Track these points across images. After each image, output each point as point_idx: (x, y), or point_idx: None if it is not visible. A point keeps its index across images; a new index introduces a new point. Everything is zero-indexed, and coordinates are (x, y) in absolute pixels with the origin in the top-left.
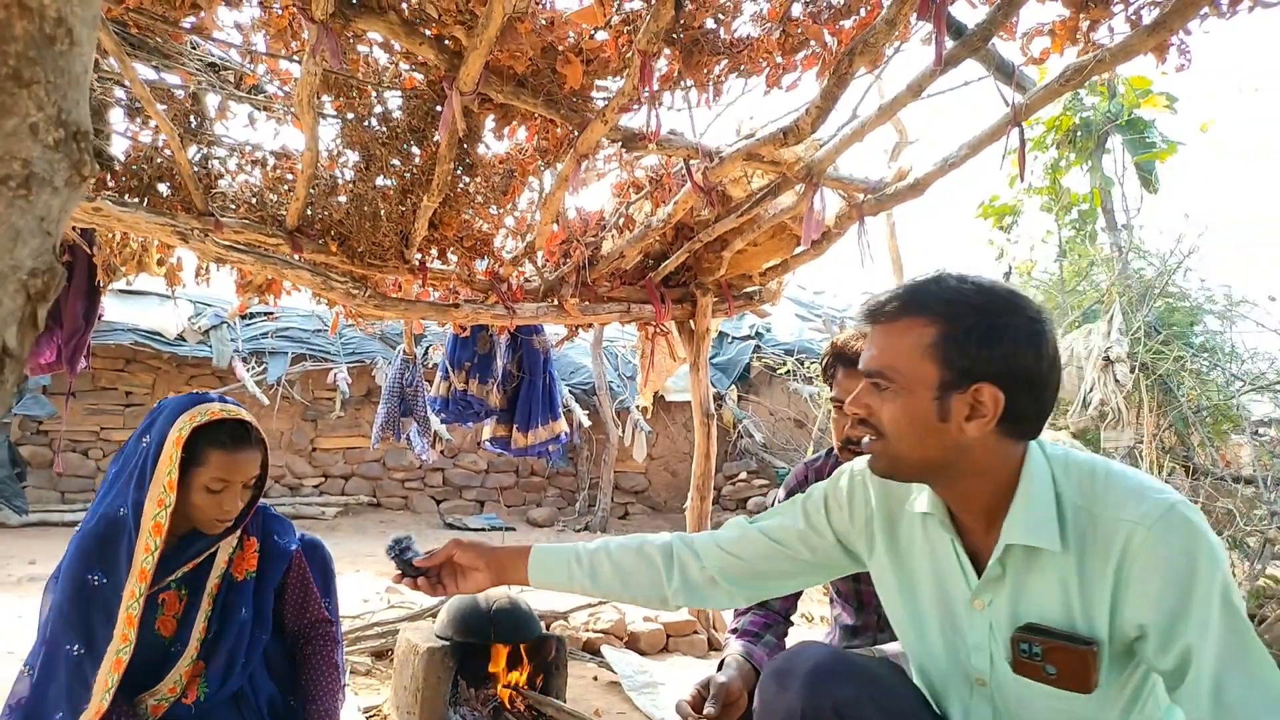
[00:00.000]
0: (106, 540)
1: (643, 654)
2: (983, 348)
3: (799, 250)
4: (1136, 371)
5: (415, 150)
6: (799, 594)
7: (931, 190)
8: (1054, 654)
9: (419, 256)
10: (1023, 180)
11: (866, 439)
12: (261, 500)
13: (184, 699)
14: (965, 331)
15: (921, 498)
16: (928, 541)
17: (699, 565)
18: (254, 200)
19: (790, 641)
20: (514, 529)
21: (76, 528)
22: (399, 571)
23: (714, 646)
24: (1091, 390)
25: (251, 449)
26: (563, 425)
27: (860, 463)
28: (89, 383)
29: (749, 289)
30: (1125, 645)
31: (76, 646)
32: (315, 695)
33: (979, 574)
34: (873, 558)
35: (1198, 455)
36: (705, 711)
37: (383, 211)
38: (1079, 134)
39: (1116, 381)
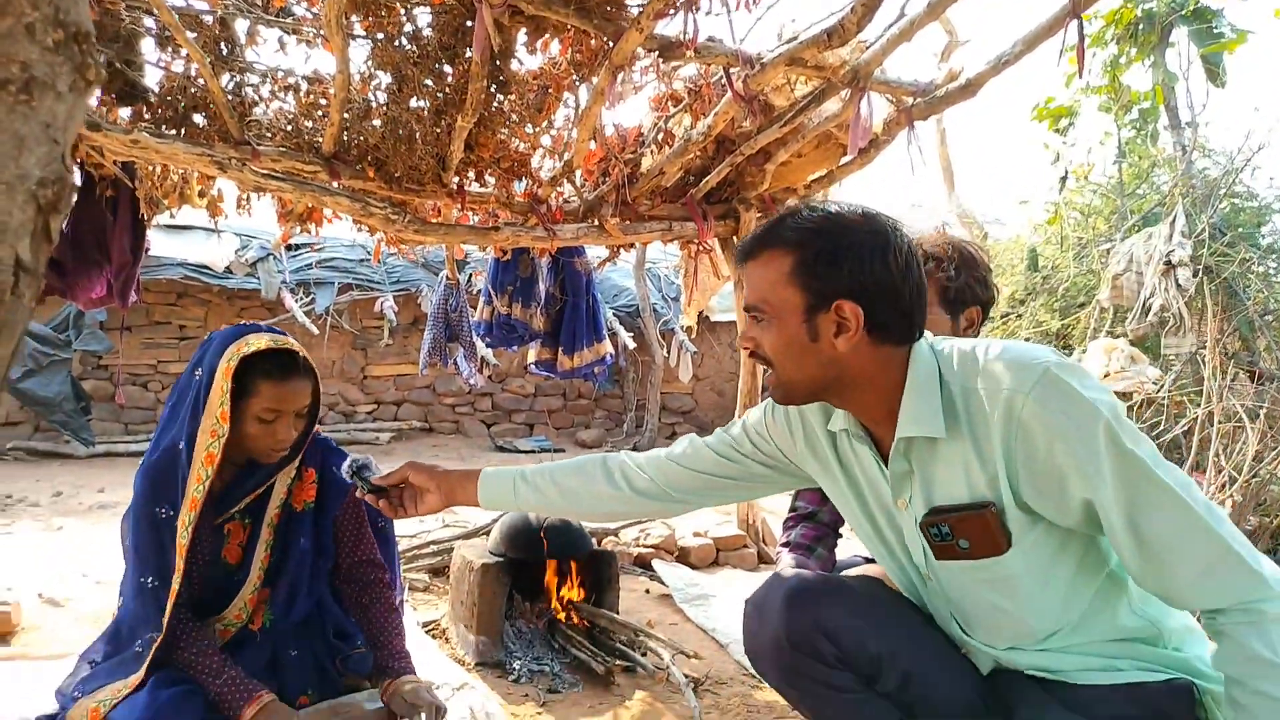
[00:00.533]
0: (168, 473)
1: (693, 568)
2: (831, 267)
3: (845, 160)
4: (1200, 275)
5: (447, 69)
6: None
7: (984, 92)
8: (960, 527)
9: (456, 180)
10: (1081, 78)
11: (763, 368)
12: (320, 432)
13: (251, 625)
14: (815, 255)
15: (835, 417)
16: (855, 456)
17: (646, 477)
18: (289, 127)
19: (840, 554)
20: (563, 450)
21: (140, 459)
22: (361, 494)
23: (764, 560)
24: (1151, 296)
25: (301, 378)
26: (607, 347)
27: None
28: (143, 317)
29: (793, 202)
30: (1029, 508)
31: (151, 579)
32: (382, 641)
33: None
34: (820, 476)
35: (1263, 360)
36: None
37: (418, 134)
38: (1140, 27)
39: (1178, 286)
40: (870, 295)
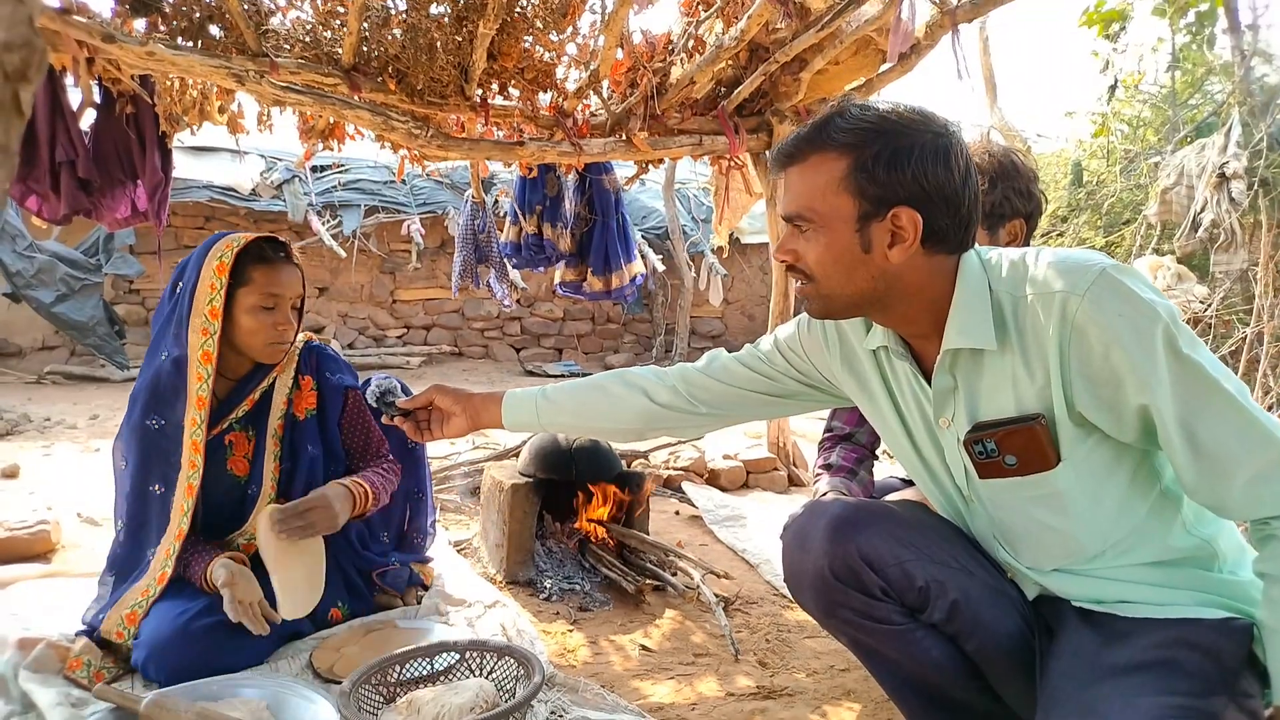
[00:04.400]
0: (158, 387)
1: (723, 490)
2: (892, 171)
3: (885, 68)
4: (1255, 189)
5: None
6: None
7: None
8: (1006, 442)
9: (480, 92)
10: None
11: (798, 281)
12: (317, 341)
13: None
14: (873, 158)
15: (874, 333)
16: (894, 374)
17: (669, 388)
18: (308, 38)
19: (878, 476)
20: (591, 375)
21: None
22: (387, 418)
23: (794, 482)
24: (1202, 211)
25: (292, 265)
26: (639, 267)
27: None
28: (172, 240)
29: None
30: (1082, 419)
31: (157, 485)
32: (366, 469)
33: None
34: (856, 395)
35: None
36: None
37: (439, 42)
38: None
39: (1231, 200)
40: (931, 202)
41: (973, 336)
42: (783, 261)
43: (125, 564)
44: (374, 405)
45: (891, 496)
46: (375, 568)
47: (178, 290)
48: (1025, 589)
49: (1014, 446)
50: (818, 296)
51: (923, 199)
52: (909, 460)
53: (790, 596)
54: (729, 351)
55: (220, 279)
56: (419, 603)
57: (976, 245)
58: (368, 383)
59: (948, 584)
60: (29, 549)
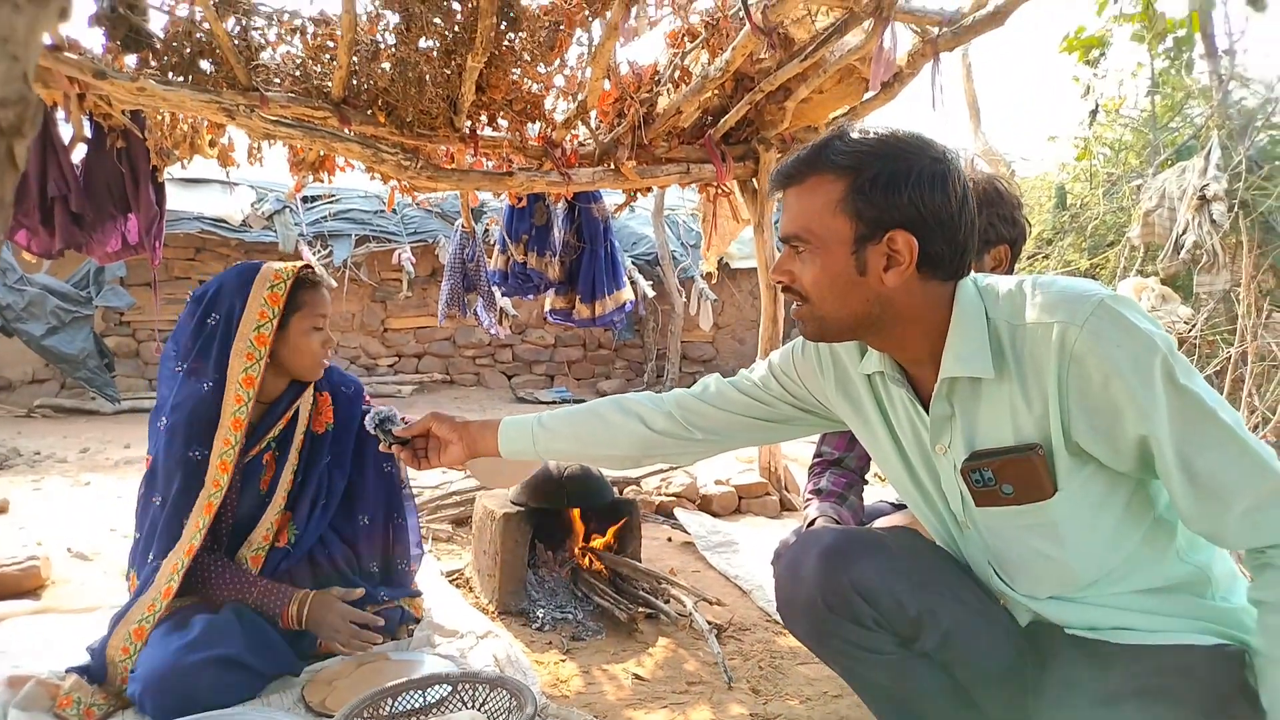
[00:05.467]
0: (197, 416)
1: (715, 515)
2: (889, 194)
3: (868, 96)
4: (1235, 210)
5: (456, 6)
6: None
7: (1013, 21)
8: (1004, 471)
9: (469, 124)
10: (1115, 2)
11: (794, 304)
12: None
13: (278, 543)
14: (870, 181)
15: (869, 358)
16: (889, 399)
17: (664, 414)
18: (298, 72)
19: (868, 500)
20: (584, 401)
21: (153, 415)
22: (384, 445)
23: (786, 507)
24: (1184, 233)
25: (327, 288)
26: (628, 294)
27: None
28: (163, 273)
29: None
30: (1079, 449)
31: (177, 496)
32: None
33: None
34: (851, 419)
35: None
36: None
37: (427, 75)
38: None
39: (1213, 222)
40: (927, 226)
41: (970, 365)
42: (778, 282)
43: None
44: (372, 432)
45: (883, 521)
46: (367, 602)
47: (209, 322)
48: (1018, 616)
49: (1011, 476)
50: (813, 318)
51: (919, 223)
52: (903, 485)
53: (782, 624)
54: (722, 376)
55: (274, 308)
56: (410, 635)
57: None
58: (366, 411)
59: (940, 613)
60: (18, 585)
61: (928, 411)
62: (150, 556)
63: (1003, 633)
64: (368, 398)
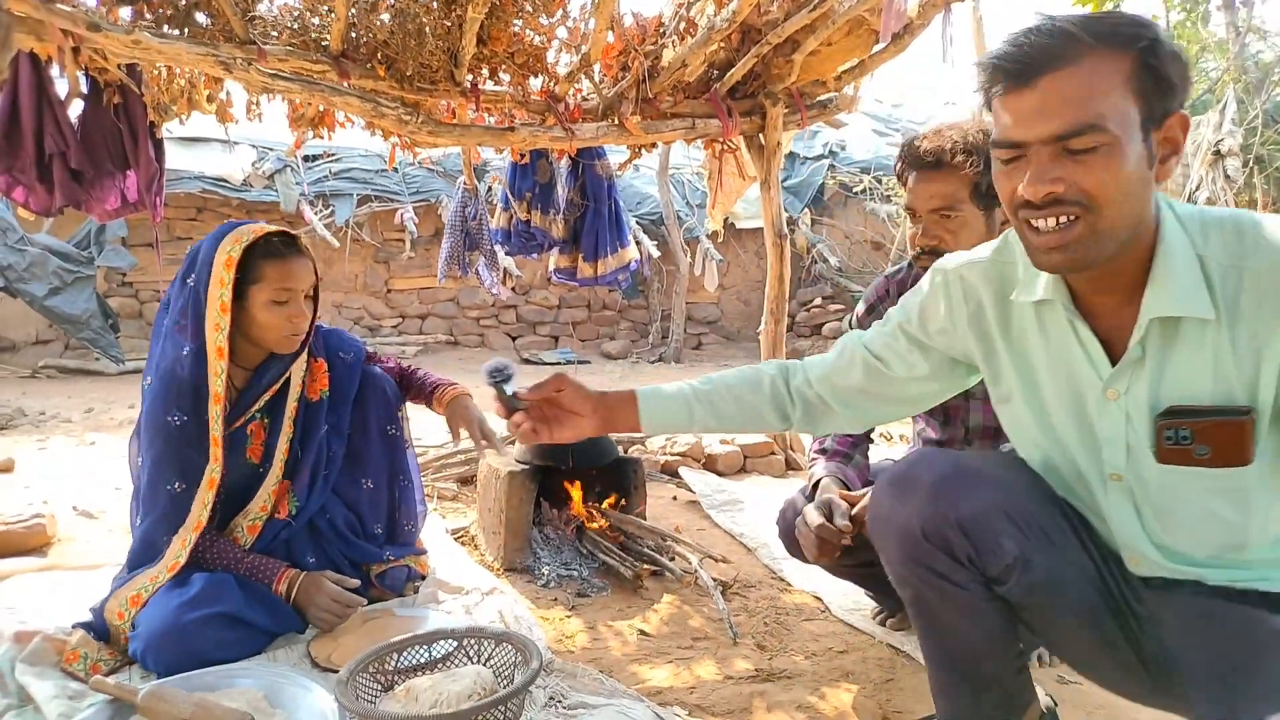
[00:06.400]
0: (178, 381)
1: (720, 475)
2: (1176, 66)
3: (878, 48)
4: (1249, 166)
5: None
6: None
7: None
8: (1206, 433)
9: (470, 78)
10: None
11: (1056, 221)
12: (320, 321)
13: (277, 514)
14: (1156, 53)
15: (1035, 285)
16: (1043, 333)
17: (813, 391)
18: (295, 25)
19: (873, 459)
20: (589, 362)
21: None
22: (499, 404)
23: (791, 466)
24: (1198, 188)
25: (303, 256)
26: (633, 253)
27: (947, 261)
28: (165, 232)
29: (823, 96)
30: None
31: (177, 483)
32: (430, 379)
33: (1112, 360)
34: (984, 359)
35: None
36: (839, 524)
37: (427, 27)
38: None
39: (1226, 177)
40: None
41: (1188, 304)
42: (1047, 197)
43: (139, 558)
44: (489, 386)
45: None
46: (369, 560)
47: (189, 282)
48: (1137, 569)
49: (1213, 438)
50: (1091, 235)
51: (1183, 101)
52: (1024, 428)
53: (787, 580)
54: (727, 339)
55: (228, 274)
56: (416, 592)
57: (966, 230)
58: (368, 373)
59: (1035, 562)
60: (24, 543)
61: (1103, 348)
62: (150, 526)
63: (1088, 584)
64: (377, 355)
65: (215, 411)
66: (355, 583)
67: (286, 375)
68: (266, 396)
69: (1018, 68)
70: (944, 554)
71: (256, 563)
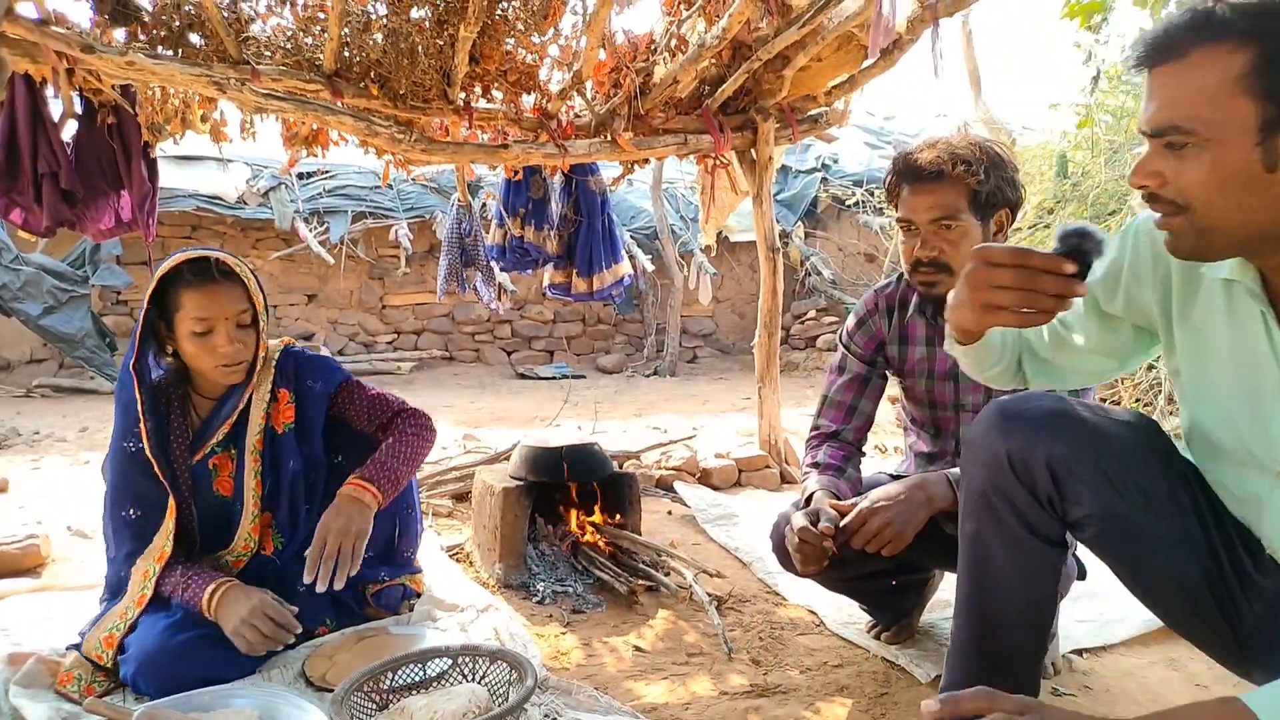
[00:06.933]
0: (127, 410)
1: (715, 489)
2: None
3: (867, 63)
4: None
5: None
6: (870, 425)
7: None
8: None
9: (463, 96)
10: None
11: (1160, 215)
12: (293, 343)
13: (263, 551)
14: None
15: (1229, 263)
16: (1231, 312)
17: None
18: (289, 45)
19: (865, 473)
20: (584, 376)
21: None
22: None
23: (786, 480)
24: None
25: (224, 282)
26: (626, 268)
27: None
28: (159, 250)
29: (814, 111)
30: None
31: (132, 509)
32: (389, 445)
33: None
34: (1167, 328)
35: None
36: (821, 527)
37: (420, 47)
38: None
39: None
40: None
41: None
42: (1142, 188)
43: (115, 586)
44: (1062, 250)
45: (879, 492)
46: (363, 581)
47: (144, 303)
48: None
49: None
50: (1191, 231)
51: None
52: (1195, 401)
53: (782, 594)
54: (722, 352)
55: (145, 307)
56: (411, 610)
57: (966, 239)
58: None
59: (1117, 516)
60: (18, 563)
61: None
62: (118, 556)
63: (1194, 552)
64: (357, 384)
65: (145, 446)
66: (294, 610)
67: (245, 406)
68: (224, 429)
69: (1146, 54)
70: (1026, 489)
71: (187, 579)
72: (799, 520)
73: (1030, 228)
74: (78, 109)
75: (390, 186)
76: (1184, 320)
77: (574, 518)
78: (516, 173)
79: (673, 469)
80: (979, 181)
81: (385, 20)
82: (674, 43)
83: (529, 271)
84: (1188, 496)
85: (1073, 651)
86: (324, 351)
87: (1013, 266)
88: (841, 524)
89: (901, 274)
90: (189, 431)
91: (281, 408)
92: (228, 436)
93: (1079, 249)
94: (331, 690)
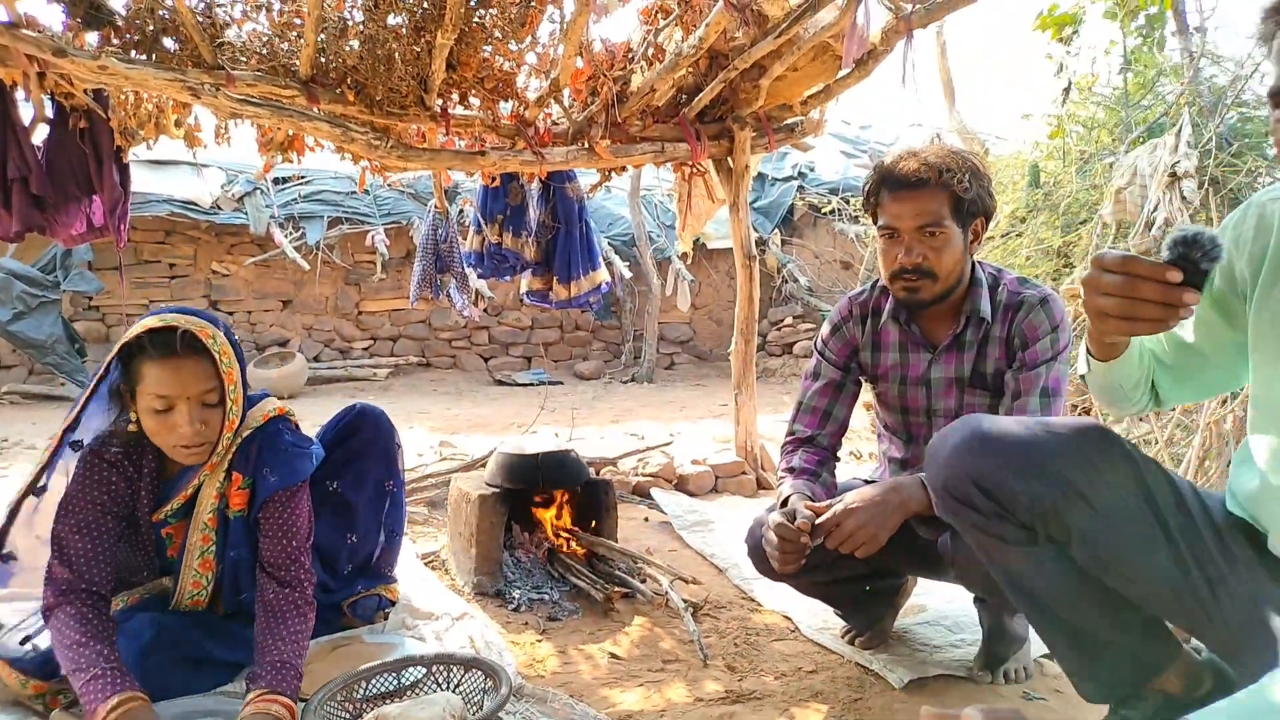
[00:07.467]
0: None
1: (691, 495)
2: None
3: (842, 73)
4: (1205, 187)
5: None
6: (844, 430)
7: None
8: None
9: (440, 102)
10: None
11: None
12: (282, 417)
13: (214, 609)
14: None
15: None
16: None
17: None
18: (264, 50)
19: (840, 478)
20: (561, 383)
21: None
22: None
23: (762, 486)
24: (1155, 209)
25: (190, 357)
26: (604, 275)
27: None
28: (132, 256)
29: (789, 120)
30: None
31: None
32: (271, 645)
33: None
34: (1252, 299)
35: None
36: (798, 524)
37: (397, 53)
38: None
39: (1183, 199)
40: None
41: None
42: None
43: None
44: (1166, 257)
45: (854, 495)
46: (341, 599)
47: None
48: None
49: None
50: None
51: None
52: (1266, 383)
53: (758, 601)
54: (699, 358)
55: (104, 370)
56: (386, 619)
57: (948, 247)
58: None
59: (1067, 511)
60: None
61: None
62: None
63: (1144, 530)
64: (301, 495)
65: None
66: None
67: (199, 483)
68: (177, 501)
69: None
70: (970, 509)
71: (89, 684)
72: (775, 518)
73: (1003, 236)
74: (49, 113)
75: (367, 192)
76: (1266, 296)
77: (550, 525)
78: (494, 179)
79: (649, 475)
80: (964, 189)
81: (362, 27)
82: (651, 51)
83: (507, 278)
84: (1138, 492)
85: (1044, 656)
86: (299, 359)
87: (1118, 273)
88: (817, 521)
89: (876, 281)
90: (156, 487)
91: (233, 491)
92: (181, 508)
93: (1185, 257)
94: (305, 700)
